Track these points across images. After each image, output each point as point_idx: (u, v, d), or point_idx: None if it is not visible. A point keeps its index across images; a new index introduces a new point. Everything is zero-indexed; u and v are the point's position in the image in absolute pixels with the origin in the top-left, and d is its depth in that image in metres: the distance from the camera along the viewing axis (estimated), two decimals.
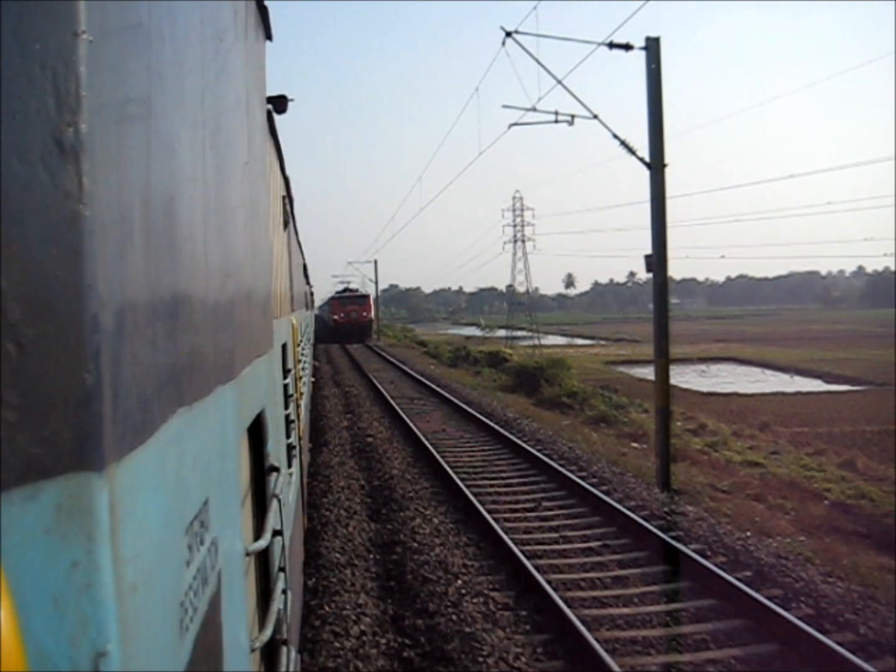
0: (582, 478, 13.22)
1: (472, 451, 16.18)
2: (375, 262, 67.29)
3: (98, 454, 0.72)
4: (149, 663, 0.82)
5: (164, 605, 0.91)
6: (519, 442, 16.27)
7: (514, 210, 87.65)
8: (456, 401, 23.40)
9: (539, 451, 15.50)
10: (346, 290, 67.13)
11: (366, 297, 64.51)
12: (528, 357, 55.54)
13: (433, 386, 27.93)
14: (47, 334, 0.70)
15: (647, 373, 67.77)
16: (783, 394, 47.18)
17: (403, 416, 20.10)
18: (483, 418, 19.68)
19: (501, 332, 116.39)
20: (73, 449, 0.70)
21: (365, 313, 62.33)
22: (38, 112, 0.70)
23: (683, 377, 63.48)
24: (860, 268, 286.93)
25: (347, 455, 15.37)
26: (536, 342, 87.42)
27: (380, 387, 27.37)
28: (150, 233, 0.95)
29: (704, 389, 53.48)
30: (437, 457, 14.67)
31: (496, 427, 18.16)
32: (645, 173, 13.28)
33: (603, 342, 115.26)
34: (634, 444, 19.91)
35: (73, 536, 0.69)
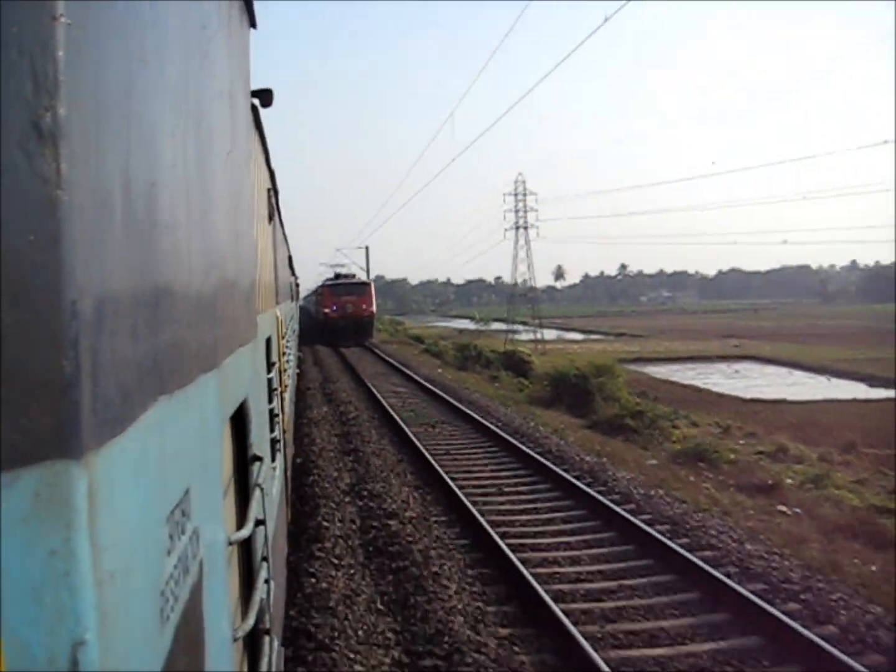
0: (824, 637, 6.52)
1: (572, 547, 9.35)
2: (367, 248, 58.43)
3: (76, 442, 0.71)
4: (128, 653, 0.81)
5: (143, 594, 0.90)
6: (637, 522, 9.61)
7: (515, 194, 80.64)
8: (496, 429, 16.62)
9: (684, 546, 8.83)
10: (338, 276, 52.24)
11: (365, 285, 49.07)
12: (534, 352, 48.83)
13: (454, 402, 21.12)
14: (25, 321, 0.69)
15: (665, 372, 61.76)
16: (838, 401, 41.20)
17: (433, 462, 13.27)
18: (553, 466, 12.94)
19: (496, 326, 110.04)
20: (52, 436, 0.70)
21: (364, 306, 46.66)
22: (16, 96, 0.69)
23: (710, 378, 57.38)
24: (853, 262, 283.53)
25: (358, 567, 8.42)
26: (538, 336, 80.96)
27: (384, 403, 20.56)
28: (130, 220, 0.93)
29: (742, 394, 47.35)
30: (531, 580, 7.83)
31: (584, 487, 11.44)
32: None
33: (602, 336, 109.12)
34: (783, 509, 13.25)
35: (51, 524, 0.69)
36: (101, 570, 0.73)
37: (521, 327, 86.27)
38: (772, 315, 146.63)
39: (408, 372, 29.72)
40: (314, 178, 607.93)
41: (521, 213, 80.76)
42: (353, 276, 53.23)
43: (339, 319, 46.15)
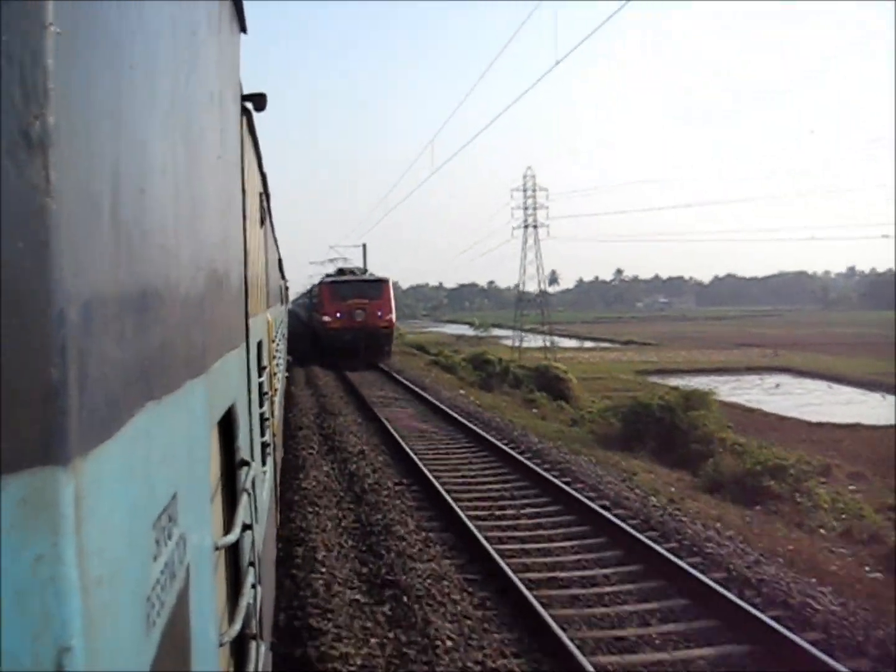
0: None
1: None
2: (364, 245, 50.02)
3: (63, 448, 0.71)
4: (114, 659, 0.80)
5: (130, 600, 0.90)
6: None
7: (525, 190, 73.93)
8: (601, 510, 10.15)
9: None
10: (343, 271, 38.47)
11: (381, 283, 34.71)
12: (561, 364, 41.63)
13: (508, 449, 14.65)
14: (13, 328, 0.69)
15: (696, 386, 55.27)
16: None
17: (553, 625, 6.68)
18: (776, 625, 6.42)
19: (497, 332, 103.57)
20: (38, 443, 0.69)
21: (381, 312, 33.10)
22: (5, 105, 0.69)
23: (750, 394, 51.04)
24: (851, 269, 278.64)
25: None
26: (549, 344, 74.38)
27: (412, 454, 13.97)
28: (120, 226, 0.94)
29: (797, 414, 41.07)
30: None
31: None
32: None
33: (608, 345, 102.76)
34: None
35: (37, 530, 0.69)
36: (88, 576, 0.73)
37: (524, 335, 79.24)
38: (779, 322, 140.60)
39: (425, 395, 23.04)
40: (303, 174, 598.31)
41: (530, 211, 73.97)
42: (364, 270, 38.55)
43: (345, 331, 32.44)
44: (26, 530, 0.68)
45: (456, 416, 19.01)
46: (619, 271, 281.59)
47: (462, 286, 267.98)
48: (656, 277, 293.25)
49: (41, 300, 0.70)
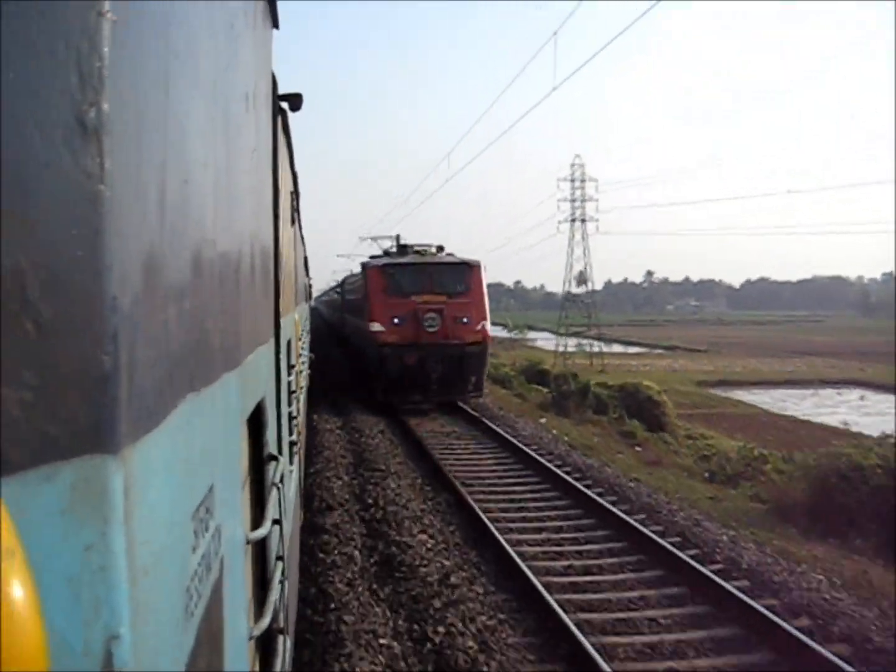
0: None
1: None
2: (398, 237, 43.81)
3: (114, 436, 0.71)
4: (156, 648, 0.81)
5: (172, 591, 0.90)
6: None
7: (572, 180, 67.17)
8: None
9: None
10: (404, 249, 22.22)
11: (468, 267, 20.41)
12: (589, 368, 34.87)
13: (681, 555, 8.25)
14: (66, 314, 0.69)
15: (770, 401, 47.85)
16: None
17: None
18: None
19: (532, 334, 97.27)
20: (90, 430, 0.69)
21: (468, 318, 19.28)
22: (62, 91, 0.69)
23: (839, 413, 44.22)
24: (886, 274, 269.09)
25: None
26: (595, 349, 67.80)
27: (540, 589, 7.60)
28: (165, 216, 0.94)
29: None
30: None
31: None
32: None
33: (647, 350, 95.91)
34: None
35: (88, 518, 0.69)
36: (135, 565, 0.73)
37: (564, 338, 72.58)
38: (822, 329, 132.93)
39: (498, 430, 16.58)
40: (328, 161, 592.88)
41: (577, 203, 67.21)
42: (438, 249, 21.95)
43: (407, 349, 18.78)
44: (77, 518, 0.68)
45: (563, 475, 12.51)
46: (649, 273, 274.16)
47: (488, 286, 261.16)
48: (686, 280, 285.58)
49: (94, 287, 0.69)
